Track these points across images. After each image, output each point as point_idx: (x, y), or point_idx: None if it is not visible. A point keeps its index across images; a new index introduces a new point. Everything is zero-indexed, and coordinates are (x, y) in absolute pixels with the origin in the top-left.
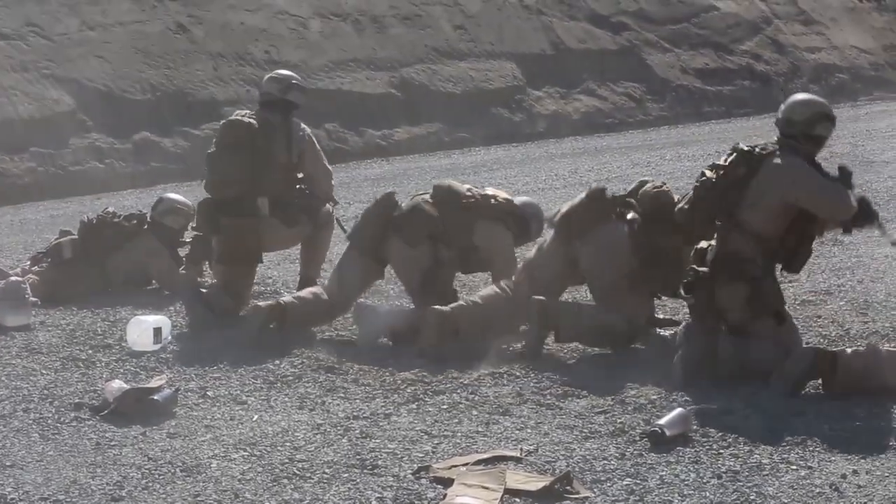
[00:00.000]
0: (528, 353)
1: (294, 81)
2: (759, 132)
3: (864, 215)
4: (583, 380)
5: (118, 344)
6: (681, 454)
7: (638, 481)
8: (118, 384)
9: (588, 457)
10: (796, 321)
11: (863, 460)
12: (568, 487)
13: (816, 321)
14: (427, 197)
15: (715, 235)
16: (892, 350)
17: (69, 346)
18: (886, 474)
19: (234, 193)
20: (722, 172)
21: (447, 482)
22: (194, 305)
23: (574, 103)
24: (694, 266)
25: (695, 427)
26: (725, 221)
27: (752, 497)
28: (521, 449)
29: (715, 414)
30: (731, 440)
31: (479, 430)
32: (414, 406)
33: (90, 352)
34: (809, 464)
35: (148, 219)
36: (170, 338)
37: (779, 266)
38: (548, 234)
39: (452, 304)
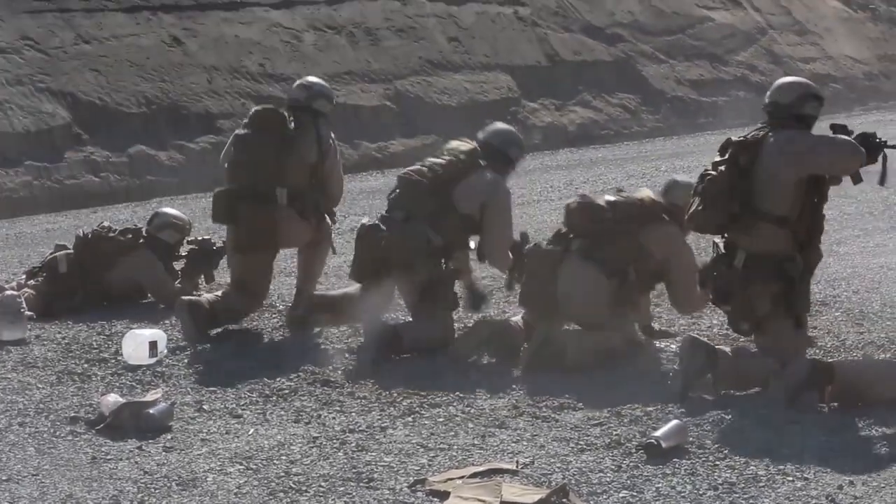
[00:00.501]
0: (523, 370)
1: (324, 91)
2: None
3: (871, 149)
4: (578, 392)
5: (114, 358)
6: (677, 466)
7: (634, 493)
8: (114, 398)
9: (584, 469)
10: None
11: (859, 471)
12: (564, 500)
13: (812, 332)
14: None
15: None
16: (888, 361)
17: (65, 359)
18: (882, 485)
19: (257, 180)
20: (724, 167)
21: (443, 495)
22: (186, 319)
23: (569, 115)
24: (723, 271)
25: (691, 439)
26: (745, 213)
27: None
28: (517, 461)
29: (711, 425)
30: (727, 452)
31: (475, 442)
32: (410, 419)
33: (86, 366)
34: (805, 475)
35: (144, 233)
36: (165, 351)
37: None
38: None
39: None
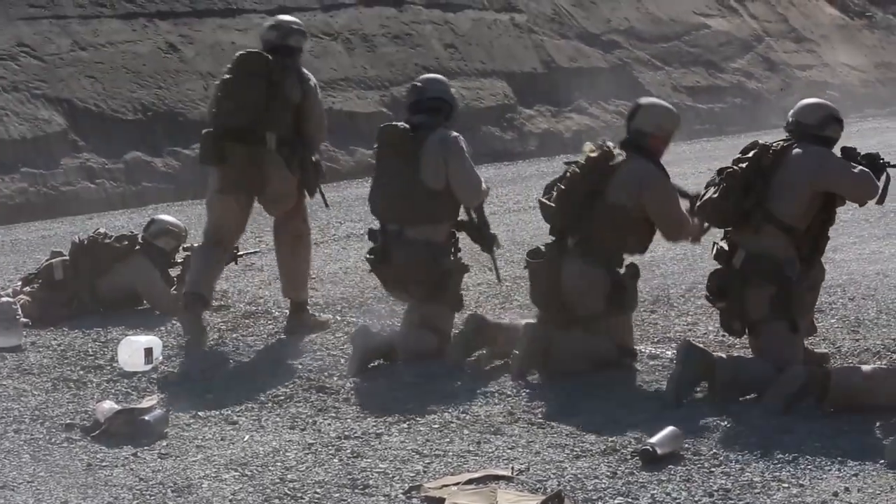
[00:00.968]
0: (513, 376)
1: (294, 27)
2: None
3: (875, 170)
4: (574, 398)
5: (109, 364)
6: (672, 472)
7: (629, 500)
8: (109, 405)
9: (579, 475)
10: None
11: (854, 478)
12: None
13: (807, 339)
14: None
15: (738, 233)
16: (884, 368)
17: (60, 366)
18: (878, 492)
19: (246, 121)
20: (746, 164)
21: (438, 502)
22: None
23: (565, 122)
24: (722, 269)
25: (686, 445)
26: (756, 213)
27: None
28: (513, 468)
29: (706, 432)
30: (722, 458)
31: (471, 449)
32: (405, 425)
33: (81, 372)
34: (801, 481)
35: (140, 240)
36: (161, 358)
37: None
38: None
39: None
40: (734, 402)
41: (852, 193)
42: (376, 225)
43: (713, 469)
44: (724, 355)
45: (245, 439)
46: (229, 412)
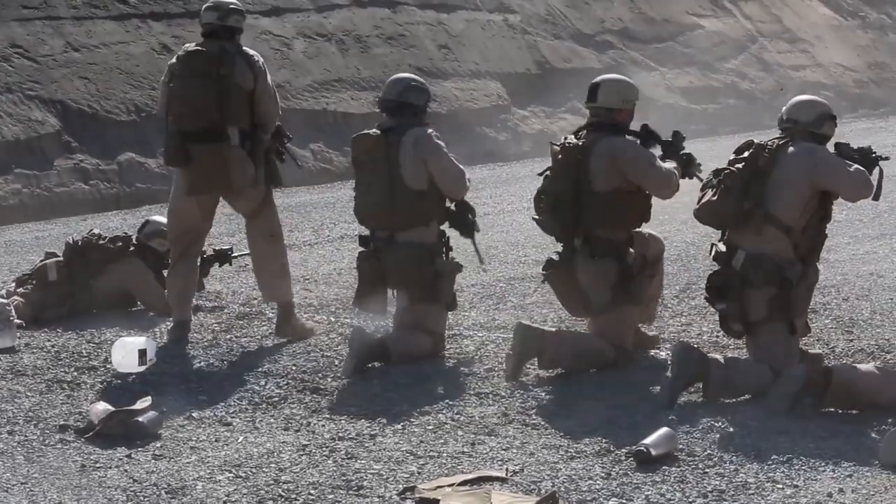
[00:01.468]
0: (507, 377)
1: (232, 6)
2: None
3: (868, 164)
4: (568, 399)
5: (103, 366)
6: (667, 473)
7: (624, 501)
8: (103, 406)
9: (574, 476)
10: None
11: (849, 478)
12: None
13: (801, 339)
14: None
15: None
16: (886, 366)
17: (54, 368)
18: (872, 493)
19: (206, 124)
20: (743, 164)
21: (433, 503)
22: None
23: (559, 122)
24: (721, 270)
25: (680, 446)
26: (754, 213)
27: None
28: (507, 469)
29: (700, 433)
30: (716, 459)
31: (465, 450)
32: (399, 426)
33: (75, 374)
34: (795, 482)
35: (134, 241)
36: (155, 359)
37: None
38: None
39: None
40: (729, 402)
41: (847, 192)
42: (365, 231)
43: (707, 470)
44: (718, 356)
45: (239, 440)
46: (223, 413)
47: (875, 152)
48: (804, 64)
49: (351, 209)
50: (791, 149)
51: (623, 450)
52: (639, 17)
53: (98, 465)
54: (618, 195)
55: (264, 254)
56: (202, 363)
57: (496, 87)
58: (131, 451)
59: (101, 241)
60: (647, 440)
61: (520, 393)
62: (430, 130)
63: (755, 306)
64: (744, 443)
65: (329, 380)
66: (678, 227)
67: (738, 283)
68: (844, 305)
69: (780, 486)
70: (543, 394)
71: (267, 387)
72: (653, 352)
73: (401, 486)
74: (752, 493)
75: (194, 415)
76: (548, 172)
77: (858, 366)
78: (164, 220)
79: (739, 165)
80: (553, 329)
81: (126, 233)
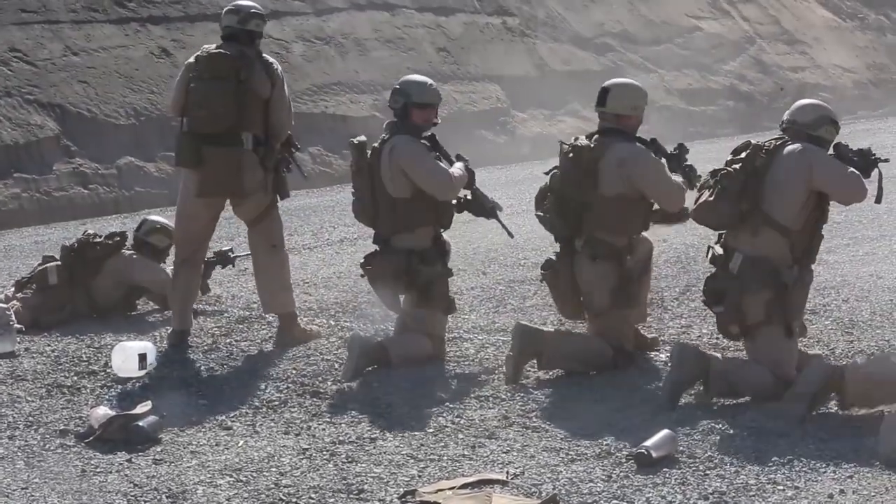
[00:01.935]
0: (506, 379)
1: (253, 10)
2: None
3: (867, 166)
4: (568, 402)
5: (103, 370)
6: (667, 475)
7: (624, 503)
8: (103, 410)
9: (574, 479)
10: None
11: (849, 480)
12: None
13: (801, 341)
14: None
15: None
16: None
17: (54, 372)
18: (873, 494)
19: (222, 128)
20: (740, 165)
21: None
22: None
23: (558, 125)
24: (718, 273)
25: (681, 448)
26: (752, 214)
27: None
28: (507, 472)
29: (701, 435)
30: (717, 461)
31: (465, 453)
32: (400, 430)
33: (75, 378)
34: (796, 484)
35: (131, 238)
36: (155, 363)
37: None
38: None
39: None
40: (729, 404)
41: (840, 194)
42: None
43: (708, 472)
44: (718, 355)
45: (239, 445)
46: (223, 417)
47: (874, 154)
48: (803, 65)
49: (350, 212)
50: (787, 148)
51: (624, 452)
52: (637, 20)
53: (98, 470)
54: (623, 201)
55: (264, 265)
56: (202, 367)
57: (495, 90)
58: (132, 455)
59: (97, 240)
60: (648, 442)
61: (520, 396)
62: (405, 140)
63: (752, 309)
64: (744, 444)
65: (329, 383)
66: (677, 230)
67: (735, 286)
68: (844, 307)
69: (781, 487)
70: (544, 397)
71: (267, 391)
72: (653, 354)
73: (401, 489)
74: (753, 495)
75: (194, 419)
76: (555, 171)
77: (872, 362)
78: (160, 218)
79: (736, 166)
80: (552, 330)
81: (122, 230)
